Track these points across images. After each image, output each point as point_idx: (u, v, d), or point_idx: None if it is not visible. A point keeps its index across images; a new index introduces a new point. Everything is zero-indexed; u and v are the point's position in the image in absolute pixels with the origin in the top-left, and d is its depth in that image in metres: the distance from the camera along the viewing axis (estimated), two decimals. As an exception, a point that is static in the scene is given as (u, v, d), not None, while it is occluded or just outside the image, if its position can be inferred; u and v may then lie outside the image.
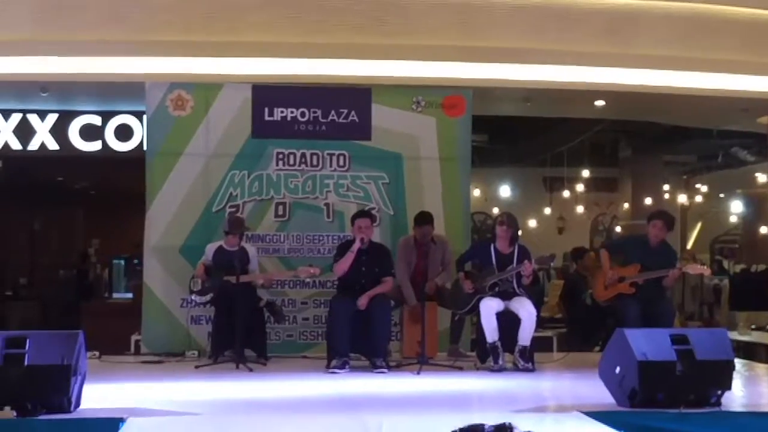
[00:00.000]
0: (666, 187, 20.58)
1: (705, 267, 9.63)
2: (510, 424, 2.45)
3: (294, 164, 10.16)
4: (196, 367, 8.72)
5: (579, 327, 12.02)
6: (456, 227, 10.24)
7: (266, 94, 10.23)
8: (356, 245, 8.74)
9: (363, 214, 9.17)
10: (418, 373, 8.33)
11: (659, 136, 17.40)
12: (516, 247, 8.91)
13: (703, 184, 22.20)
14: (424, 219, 9.42)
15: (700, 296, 17.85)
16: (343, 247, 8.95)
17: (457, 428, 2.45)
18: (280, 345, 9.78)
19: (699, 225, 22.95)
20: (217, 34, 10.07)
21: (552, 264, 12.66)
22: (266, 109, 10.17)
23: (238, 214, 9.83)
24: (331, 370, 8.44)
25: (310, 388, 7.79)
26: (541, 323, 10.19)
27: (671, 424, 5.91)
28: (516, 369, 8.57)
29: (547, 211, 21.43)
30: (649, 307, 8.62)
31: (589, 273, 11.67)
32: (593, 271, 10.23)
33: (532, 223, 20.64)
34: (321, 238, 10.09)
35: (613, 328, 6.98)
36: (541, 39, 10.38)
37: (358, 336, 8.64)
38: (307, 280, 9.72)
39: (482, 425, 2.43)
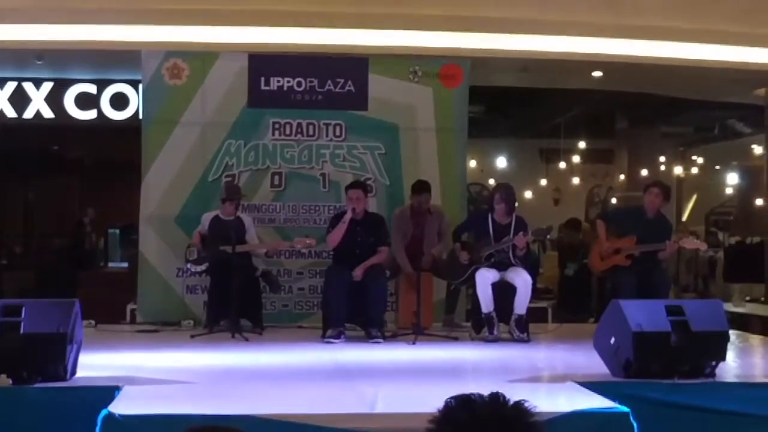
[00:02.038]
0: (662, 158, 20.55)
1: (701, 242, 9.63)
2: (503, 394, 2.43)
3: (290, 134, 10.13)
4: (192, 336, 8.73)
5: (566, 298, 12.10)
6: (452, 198, 10.24)
7: (262, 63, 10.19)
8: (348, 216, 8.74)
9: (355, 184, 9.16)
10: (414, 344, 8.35)
11: (656, 107, 17.35)
12: (513, 218, 8.92)
13: (699, 156, 22.19)
14: (421, 187, 9.42)
15: (695, 268, 17.87)
16: (337, 218, 8.95)
17: (449, 398, 2.44)
18: (276, 315, 9.79)
19: (694, 197, 22.95)
20: (213, 2, 10.05)
21: (548, 236, 12.64)
22: (262, 79, 10.13)
23: (235, 183, 9.81)
24: (326, 340, 8.46)
25: (306, 357, 7.82)
26: (536, 294, 10.23)
27: (665, 394, 5.94)
28: (511, 339, 8.60)
29: (543, 182, 21.42)
30: (645, 278, 8.63)
31: (577, 243, 11.73)
32: (589, 242, 10.25)
33: (528, 194, 20.61)
34: (317, 208, 10.08)
35: (608, 299, 7.00)
36: (539, 9, 10.35)
37: (354, 306, 8.65)
38: (303, 250, 9.73)
39: (475, 395, 2.41)
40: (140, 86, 10.66)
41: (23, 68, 12.67)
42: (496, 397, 2.40)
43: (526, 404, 2.41)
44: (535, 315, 9.68)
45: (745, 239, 17.81)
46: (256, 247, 9.27)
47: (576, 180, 21.08)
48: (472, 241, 9.01)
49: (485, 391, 2.43)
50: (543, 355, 8.43)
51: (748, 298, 13.61)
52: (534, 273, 9.99)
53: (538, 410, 2.42)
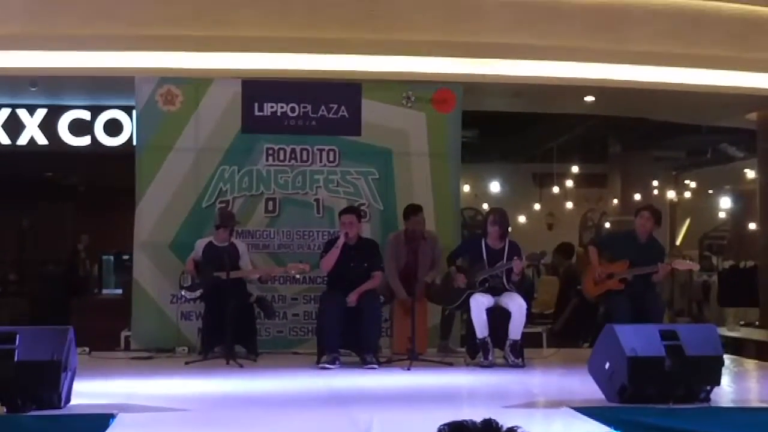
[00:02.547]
0: (655, 183, 20.64)
1: (693, 262, 9.65)
2: (496, 421, 2.42)
3: (284, 159, 10.15)
4: (186, 363, 8.70)
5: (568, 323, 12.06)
6: (446, 223, 10.24)
7: (256, 89, 10.21)
8: (340, 241, 8.75)
9: (348, 210, 9.17)
10: (409, 369, 8.34)
11: (648, 132, 17.43)
12: (507, 242, 8.93)
13: (692, 180, 22.26)
14: (414, 209, 9.44)
15: (689, 293, 17.91)
16: (330, 243, 8.96)
17: (443, 425, 2.44)
18: (271, 341, 9.77)
19: (688, 221, 23.01)
20: (206, 28, 10.08)
21: (542, 261, 12.65)
22: (256, 104, 10.15)
23: (229, 209, 9.82)
24: (321, 366, 8.44)
25: (301, 384, 7.79)
26: (531, 319, 10.22)
27: (660, 419, 5.94)
28: (506, 365, 8.58)
29: (537, 206, 21.47)
30: (639, 302, 8.63)
31: (575, 269, 11.73)
32: (582, 267, 10.25)
33: (522, 218, 20.67)
34: (311, 233, 10.07)
35: (602, 324, 6.99)
36: (530, 34, 10.41)
37: (349, 332, 8.63)
38: (297, 276, 9.73)
39: (468, 421, 2.41)
40: (134, 112, 10.66)
41: (17, 95, 12.69)
42: (489, 424, 2.40)
43: (519, 430, 2.41)
44: (530, 340, 9.66)
45: (738, 263, 17.84)
46: (250, 272, 9.25)
47: (569, 204, 21.15)
48: (466, 265, 9.00)
49: (480, 418, 2.43)
50: (538, 380, 8.41)
51: (742, 323, 13.62)
52: (528, 298, 10.00)
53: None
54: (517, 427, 2.41)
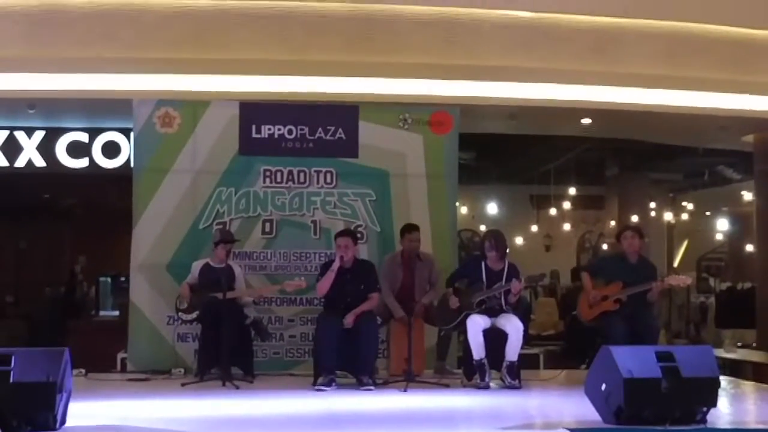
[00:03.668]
0: (652, 204, 20.67)
1: (686, 276, 9.62)
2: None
3: (281, 181, 10.16)
4: (183, 384, 8.69)
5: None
6: (443, 244, 10.25)
7: (253, 111, 10.23)
8: (335, 264, 8.76)
9: (344, 233, 9.17)
10: (405, 391, 8.33)
11: (645, 154, 17.48)
12: (506, 264, 8.93)
13: (689, 201, 22.30)
14: (409, 227, 9.51)
15: (687, 315, 17.90)
16: (326, 266, 8.96)
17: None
18: (267, 362, 9.75)
19: (685, 243, 23.04)
20: (204, 51, 10.10)
21: (540, 282, 12.67)
22: (253, 126, 10.17)
23: (227, 230, 9.83)
24: (317, 388, 8.43)
25: (297, 405, 7.77)
26: (529, 340, 10.21)
27: (657, 440, 5.93)
28: (503, 386, 8.58)
29: (534, 228, 21.50)
30: (634, 323, 8.61)
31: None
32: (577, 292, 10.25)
33: (519, 240, 20.69)
34: (308, 255, 10.08)
35: (599, 346, 6.99)
36: (527, 57, 10.43)
37: (345, 353, 8.63)
38: (294, 297, 9.73)
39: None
40: (132, 134, 10.68)
41: (15, 117, 12.72)
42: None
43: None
44: (527, 361, 9.66)
45: (736, 285, 17.85)
46: (244, 293, 9.25)
47: (567, 226, 21.16)
48: (465, 287, 9.01)
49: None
50: (535, 402, 8.40)
51: (739, 344, 13.60)
52: (525, 320, 9.99)
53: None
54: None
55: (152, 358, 9.69)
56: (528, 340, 10.13)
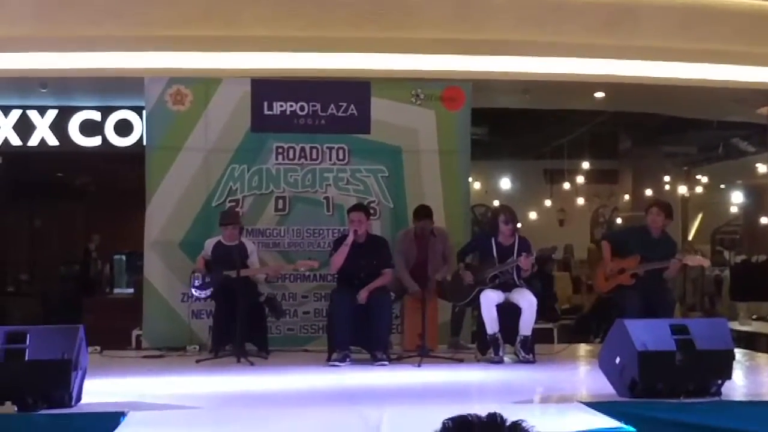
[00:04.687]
0: (666, 178, 20.58)
1: (704, 258, 9.60)
2: (500, 414, 2.42)
3: (293, 158, 10.16)
4: (197, 361, 8.73)
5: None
6: (456, 220, 10.24)
7: (265, 88, 10.22)
8: (350, 238, 8.76)
9: (356, 207, 9.16)
10: (419, 366, 8.33)
11: (659, 127, 17.39)
12: (517, 238, 8.93)
13: (703, 175, 22.19)
14: (422, 213, 9.42)
15: (701, 287, 17.85)
16: (339, 242, 8.97)
17: (446, 419, 2.44)
18: (281, 339, 9.78)
19: (700, 216, 22.94)
20: (215, 28, 10.10)
21: (553, 256, 12.65)
22: (265, 103, 10.16)
23: (237, 208, 9.84)
24: (331, 364, 8.45)
25: (311, 381, 7.80)
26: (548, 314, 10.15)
27: (671, 414, 5.94)
28: (517, 360, 8.59)
29: (548, 203, 21.45)
30: (650, 298, 8.60)
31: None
32: (594, 263, 10.24)
33: (533, 215, 20.65)
34: (321, 231, 10.09)
35: (613, 319, 6.98)
36: (539, 31, 10.39)
37: (359, 329, 8.65)
38: (307, 273, 9.75)
39: (472, 415, 2.41)
40: (144, 113, 10.69)
41: (28, 96, 12.74)
42: (494, 418, 2.40)
43: (524, 424, 2.40)
44: (541, 336, 9.66)
45: (751, 258, 17.78)
46: (257, 271, 9.26)
47: (581, 200, 21.10)
48: (477, 262, 9.01)
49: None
50: (548, 375, 8.39)
51: (754, 317, 13.57)
52: (547, 290, 9.95)
53: (541, 431, 2.42)
54: (522, 420, 2.40)
55: (167, 335, 9.73)
56: (550, 314, 10.05)
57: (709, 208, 22.78)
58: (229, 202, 9.98)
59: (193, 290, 9.23)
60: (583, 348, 10.08)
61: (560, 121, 16.53)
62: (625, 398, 6.34)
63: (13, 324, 9.72)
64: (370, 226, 9.15)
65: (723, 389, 6.44)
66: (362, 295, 8.65)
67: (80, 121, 13.22)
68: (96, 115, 13.24)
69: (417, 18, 10.29)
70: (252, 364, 8.46)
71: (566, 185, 20.78)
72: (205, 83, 10.18)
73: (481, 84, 10.73)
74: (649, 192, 18.76)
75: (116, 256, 15.10)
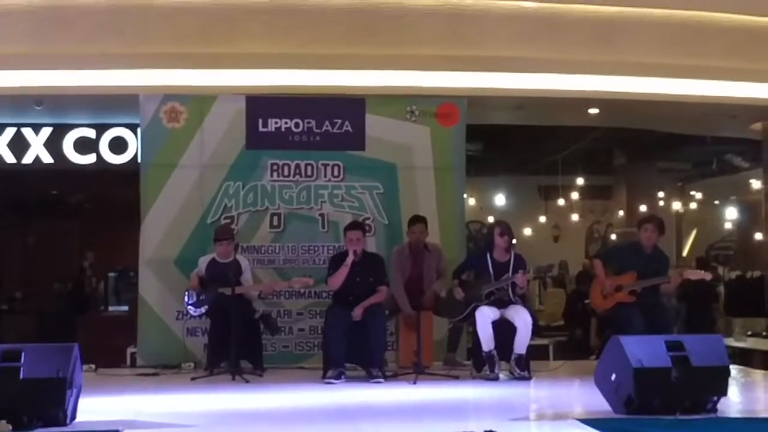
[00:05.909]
0: (661, 194, 20.63)
1: (706, 272, 9.58)
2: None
3: (288, 175, 10.16)
4: (192, 379, 8.71)
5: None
6: (451, 236, 10.23)
7: (260, 105, 10.22)
8: (350, 259, 8.75)
9: (354, 225, 9.16)
10: (415, 383, 8.32)
11: (653, 143, 17.44)
12: (512, 255, 8.92)
13: (697, 191, 22.25)
14: (416, 219, 9.48)
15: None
16: (335, 260, 8.95)
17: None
18: (276, 356, 9.76)
19: (694, 232, 22.99)
20: (210, 45, 10.11)
21: (549, 273, 12.67)
22: (260, 120, 10.16)
23: (232, 225, 9.83)
24: (327, 381, 8.43)
25: (307, 398, 7.78)
26: (539, 332, 10.19)
27: (667, 430, 5.93)
28: (512, 377, 8.57)
29: (542, 219, 21.48)
30: (649, 314, 8.57)
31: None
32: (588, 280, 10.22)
33: (528, 231, 20.67)
34: (316, 248, 10.08)
35: (610, 336, 6.97)
36: (533, 47, 10.42)
37: (354, 346, 8.63)
38: (302, 290, 9.73)
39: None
40: (138, 130, 10.68)
41: (22, 114, 12.73)
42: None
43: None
44: (536, 352, 9.65)
45: (745, 273, 17.79)
46: (250, 288, 9.24)
47: (575, 216, 21.14)
48: (472, 279, 9.00)
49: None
50: (544, 392, 8.39)
51: (749, 333, 13.56)
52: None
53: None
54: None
55: (162, 353, 9.71)
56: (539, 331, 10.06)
57: (703, 223, 22.82)
58: (224, 219, 9.97)
59: (187, 308, 9.21)
60: (578, 365, 10.06)
61: (555, 137, 16.57)
62: (621, 415, 6.34)
63: (8, 342, 9.69)
64: (366, 243, 9.15)
65: (719, 406, 6.44)
66: (357, 312, 8.64)
67: (75, 139, 13.20)
68: (90, 133, 13.23)
69: (412, 35, 10.32)
70: (247, 381, 8.44)
71: (561, 201, 20.83)
72: (200, 100, 10.17)
73: (475, 100, 10.75)
74: (643, 208, 18.79)
75: (111, 274, 15.05)
